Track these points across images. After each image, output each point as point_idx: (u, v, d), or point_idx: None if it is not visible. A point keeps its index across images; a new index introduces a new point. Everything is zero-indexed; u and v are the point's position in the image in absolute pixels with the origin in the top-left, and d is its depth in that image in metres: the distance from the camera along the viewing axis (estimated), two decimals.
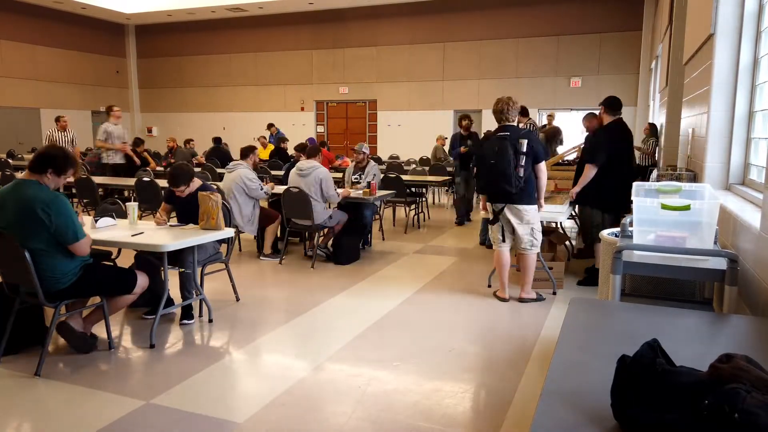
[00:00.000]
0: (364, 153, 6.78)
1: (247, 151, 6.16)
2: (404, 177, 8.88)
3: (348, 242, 5.94)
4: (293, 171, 5.95)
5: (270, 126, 13.13)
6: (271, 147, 11.99)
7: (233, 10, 18.04)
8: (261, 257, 6.11)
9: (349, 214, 6.56)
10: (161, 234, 3.84)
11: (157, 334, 3.84)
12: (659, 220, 2.51)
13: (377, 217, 7.47)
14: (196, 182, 4.38)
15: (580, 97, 15.61)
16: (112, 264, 3.92)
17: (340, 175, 8.09)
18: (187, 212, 4.29)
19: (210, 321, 4.14)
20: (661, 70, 9.60)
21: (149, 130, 21.14)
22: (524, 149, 4.26)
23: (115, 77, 20.78)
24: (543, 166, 4.42)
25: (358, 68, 17.99)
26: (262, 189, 5.85)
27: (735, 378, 1.05)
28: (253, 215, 5.86)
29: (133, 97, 21.50)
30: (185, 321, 4.08)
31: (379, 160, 12.25)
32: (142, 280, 3.59)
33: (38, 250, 3.12)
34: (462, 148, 7.88)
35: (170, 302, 4.14)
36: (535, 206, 4.43)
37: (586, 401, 1.27)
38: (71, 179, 3.30)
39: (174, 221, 4.43)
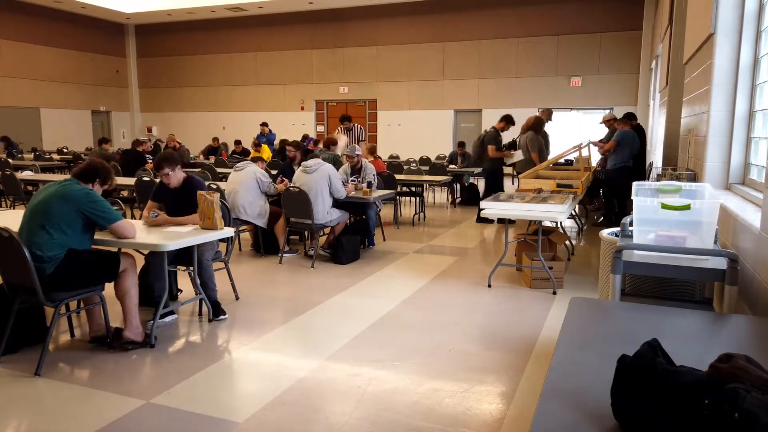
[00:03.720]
0: (357, 156, 6.78)
1: (254, 159, 6.32)
2: (402, 176, 8.91)
3: (348, 242, 5.94)
4: (299, 171, 5.97)
5: (263, 125, 13.13)
6: (266, 147, 11.98)
7: (233, 10, 18.04)
8: (282, 254, 6.07)
9: (352, 214, 6.57)
10: (161, 234, 3.83)
11: (157, 334, 3.84)
12: (659, 220, 2.51)
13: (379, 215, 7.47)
14: (181, 174, 4.32)
15: (580, 97, 15.62)
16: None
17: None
18: (178, 208, 4.24)
19: (210, 320, 4.14)
20: (661, 70, 9.59)
21: (149, 130, 21.15)
22: None
23: (115, 77, 20.79)
24: None
25: (358, 68, 18.00)
26: (271, 184, 5.98)
27: (735, 378, 1.05)
28: (264, 209, 5.94)
29: (133, 97, 21.51)
30: (221, 317, 4.18)
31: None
32: (127, 259, 3.60)
33: (43, 229, 3.22)
34: None
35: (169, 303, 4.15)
36: None
37: (586, 401, 1.27)
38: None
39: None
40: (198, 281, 4.13)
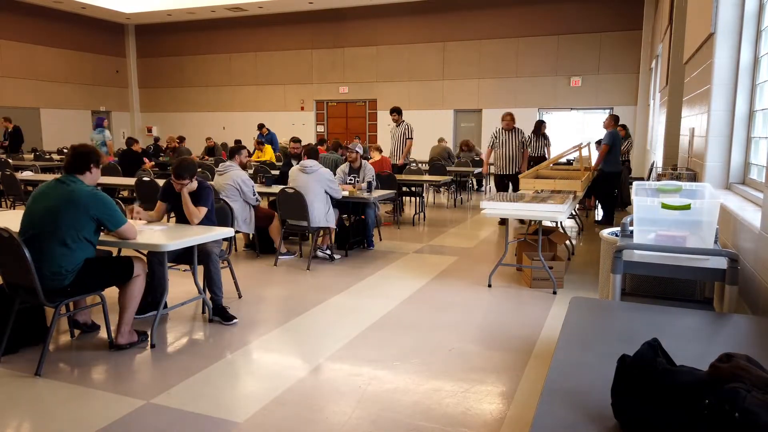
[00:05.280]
0: (356, 152, 6.71)
1: (233, 152, 6.01)
2: (402, 176, 8.91)
3: (351, 238, 5.92)
4: (296, 168, 5.89)
5: (261, 126, 13.16)
6: (268, 148, 11.98)
7: (233, 10, 18.04)
8: (279, 256, 5.94)
9: (352, 215, 6.56)
10: (161, 234, 3.84)
11: (157, 334, 3.84)
12: (659, 220, 2.51)
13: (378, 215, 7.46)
14: (194, 183, 4.36)
15: (580, 97, 15.61)
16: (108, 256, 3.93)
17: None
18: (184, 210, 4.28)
19: (210, 320, 4.14)
20: (661, 70, 9.60)
21: (149, 130, 21.15)
22: None
23: (115, 77, 20.78)
24: None
25: (358, 68, 17.99)
26: (254, 194, 5.75)
27: (735, 377, 1.05)
28: (249, 216, 5.79)
29: (133, 97, 21.51)
30: (227, 323, 4.07)
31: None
32: (140, 264, 3.61)
33: (61, 242, 3.20)
34: None
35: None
36: None
37: (586, 401, 1.27)
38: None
39: (173, 221, 4.43)
40: (200, 280, 4.13)
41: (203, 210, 4.27)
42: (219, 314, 4.11)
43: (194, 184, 4.31)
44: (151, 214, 4.29)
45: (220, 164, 5.93)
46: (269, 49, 19.03)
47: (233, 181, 5.62)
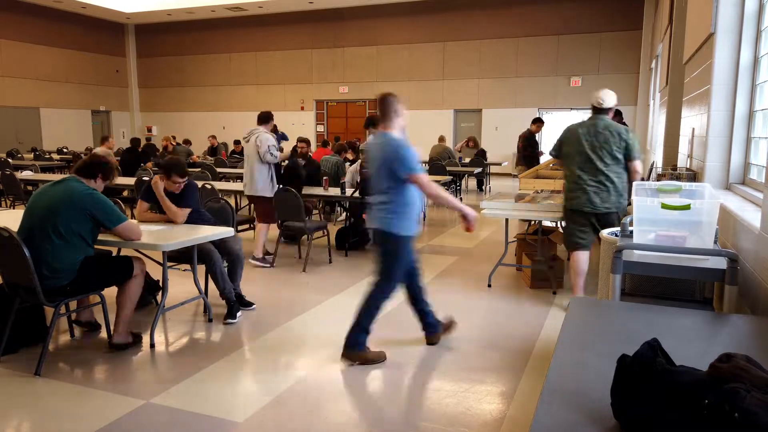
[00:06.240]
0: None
1: (266, 117, 5.93)
2: None
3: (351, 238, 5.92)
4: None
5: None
6: None
7: (233, 10, 18.04)
8: (251, 260, 5.72)
9: (351, 214, 6.57)
10: (160, 234, 3.83)
11: (158, 334, 3.84)
12: (659, 220, 2.51)
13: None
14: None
15: (580, 97, 15.61)
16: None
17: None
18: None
19: (210, 320, 4.14)
20: (661, 70, 9.60)
21: (149, 129, 21.15)
22: None
23: (114, 77, 20.79)
24: None
25: (357, 68, 18.00)
26: (269, 151, 5.61)
27: (735, 377, 1.05)
28: (267, 181, 5.70)
29: (133, 97, 21.51)
30: (229, 320, 4.11)
31: None
32: (139, 264, 3.60)
33: (59, 239, 3.20)
34: None
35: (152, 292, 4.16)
36: None
37: (586, 401, 1.27)
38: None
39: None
40: (200, 280, 4.12)
41: (186, 211, 4.19)
42: (241, 304, 4.27)
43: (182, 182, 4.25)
44: (153, 216, 4.26)
45: (245, 130, 5.89)
46: (269, 49, 19.03)
47: (254, 145, 5.63)
